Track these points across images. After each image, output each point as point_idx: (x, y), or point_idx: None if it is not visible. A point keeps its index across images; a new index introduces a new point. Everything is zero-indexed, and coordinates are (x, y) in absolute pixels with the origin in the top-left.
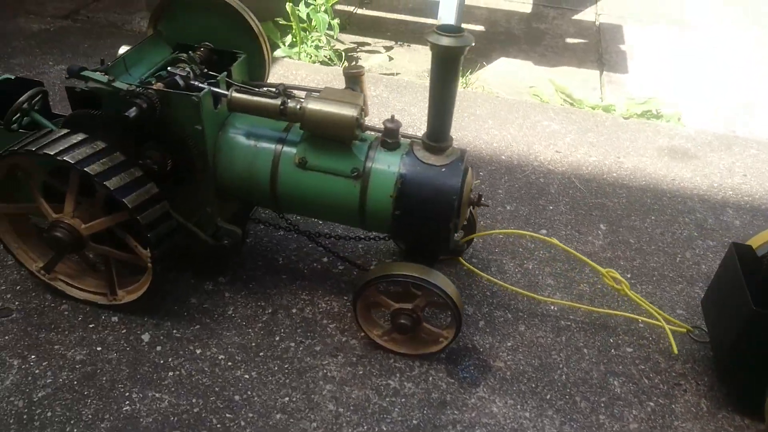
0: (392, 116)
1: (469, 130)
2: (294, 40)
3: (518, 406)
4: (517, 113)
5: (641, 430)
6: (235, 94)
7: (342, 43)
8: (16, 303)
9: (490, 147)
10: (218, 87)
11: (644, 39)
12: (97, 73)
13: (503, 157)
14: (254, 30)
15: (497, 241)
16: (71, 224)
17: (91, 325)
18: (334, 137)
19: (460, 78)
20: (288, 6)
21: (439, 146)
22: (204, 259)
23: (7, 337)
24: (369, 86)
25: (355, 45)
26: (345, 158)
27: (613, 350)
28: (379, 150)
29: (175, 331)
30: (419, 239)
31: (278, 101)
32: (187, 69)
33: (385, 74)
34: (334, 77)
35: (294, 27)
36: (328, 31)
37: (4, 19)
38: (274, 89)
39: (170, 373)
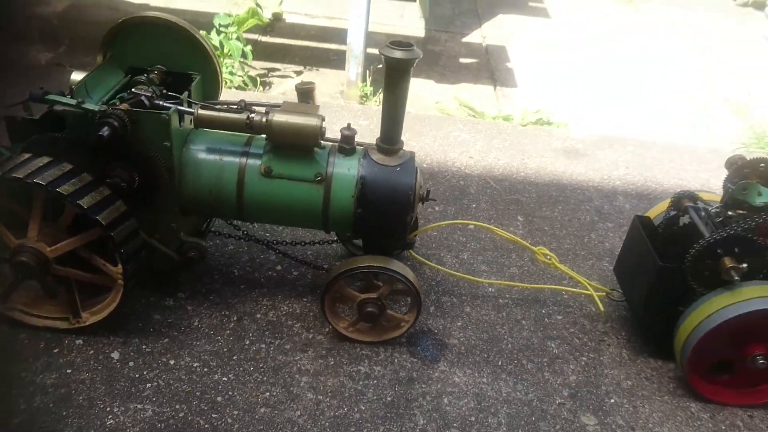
0: (348, 124)
1: None
2: None
3: (476, 374)
4: (429, 126)
5: (579, 380)
6: (202, 111)
7: (254, 68)
8: None
9: None
10: (181, 106)
11: (525, 58)
12: (65, 96)
13: (425, 165)
14: (207, 51)
15: (433, 238)
16: (36, 248)
17: (55, 350)
18: (299, 146)
19: (373, 97)
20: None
21: (393, 149)
22: (160, 275)
23: None
24: None
25: (266, 71)
26: (308, 165)
27: (546, 319)
28: (338, 156)
29: (144, 347)
30: (379, 234)
31: (244, 116)
32: (150, 90)
33: None
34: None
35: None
36: (241, 58)
37: None
38: (235, 106)
39: (148, 385)
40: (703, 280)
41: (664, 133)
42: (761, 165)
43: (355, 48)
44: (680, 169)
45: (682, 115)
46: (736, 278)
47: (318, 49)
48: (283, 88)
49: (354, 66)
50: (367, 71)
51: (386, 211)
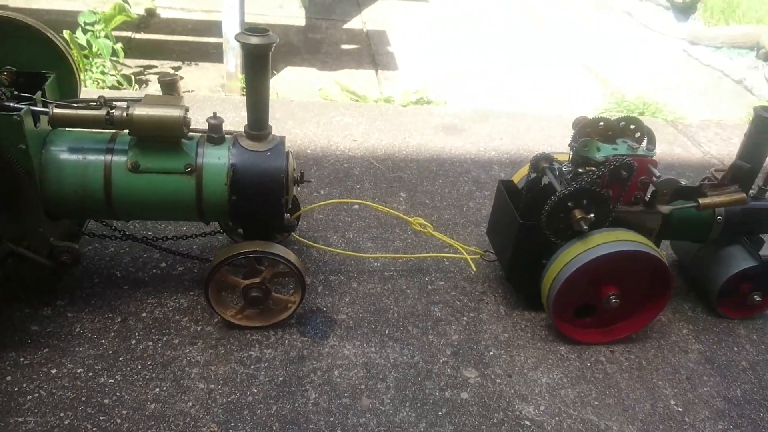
0: (214, 113)
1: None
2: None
3: (364, 345)
4: (312, 113)
5: (461, 339)
6: (57, 110)
7: (128, 67)
8: None
9: (295, 144)
10: (35, 106)
11: (405, 41)
12: None
13: (309, 151)
14: (61, 49)
15: (319, 220)
16: None
17: None
18: (164, 138)
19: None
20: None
21: (261, 134)
22: (34, 284)
23: None
24: None
25: (142, 68)
26: (176, 157)
27: (429, 286)
28: (207, 145)
29: (22, 359)
30: (256, 219)
31: (103, 111)
32: None
33: None
34: None
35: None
36: (112, 57)
37: None
38: (94, 102)
39: (28, 397)
40: (559, 232)
41: (535, 104)
42: (600, 123)
43: (231, 40)
44: (548, 136)
45: (550, 86)
46: (585, 228)
47: (196, 43)
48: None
49: (232, 58)
50: None
51: (260, 195)
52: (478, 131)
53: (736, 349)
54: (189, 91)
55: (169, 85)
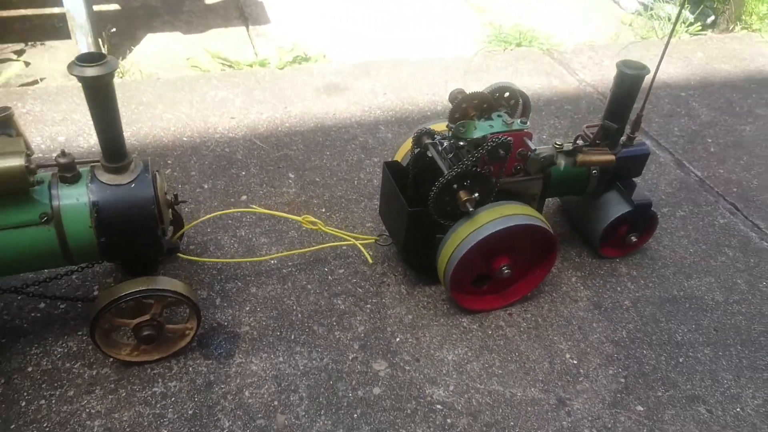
0: (62, 151)
1: (143, 121)
2: None
3: (272, 356)
4: (183, 91)
5: (367, 329)
6: None
7: None
8: None
9: (169, 132)
10: None
11: None
12: None
13: (185, 138)
14: None
15: (207, 223)
16: None
17: None
18: (7, 192)
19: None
20: None
21: (120, 166)
22: None
23: None
24: (16, 103)
25: None
26: (27, 208)
27: (330, 276)
28: (61, 186)
29: None
30: (132, 255)
31: None
32: None
33: (27, 85)
34: None
35: None
36: None
37: None
38: None
39: None
40: (447, 214)
41: (416, 48)
42: (475, 100)
43: (76, 15)
44: (432, 84)
45: (431, 25)
46: (471, 209)
47: (38, 17)
48: (4, 77)
49: (82, 37)
50: (101, 39)
51: (132, 232)
52: (361, 87)
53: (619, 289)
54: (39, 81)
55: (2, 123)
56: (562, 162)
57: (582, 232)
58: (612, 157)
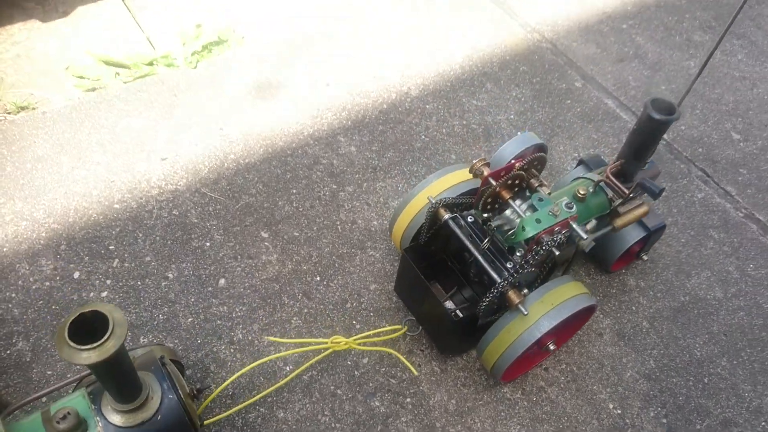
0: (64, 414)
1: (50, 189)
2: None
3: None
4: (84, 127)
5: (414, 426)
6: None
7: None
8: None
9: (92, 199)
10: None
11: None
12: None
13: (116, 205)
14: None
15: (196, 331)
16: None
17: None
18: None
19: None
20: None
21: (136, 405)
22: None
23: None
24: None
25: None
26: None
27: (356, 371)
28: None
29: None
30: None
31: None
32: None
33: None
34: None
35: None
36: None
37: None
38: None
39: None
40: (495, 311)
41: (338, 12)
42: (509, 181)
43: None
44: (381, 65)
45: None
46: (525, 312)
47: None
48: None
49: None
50: None
51: None
52: (299, 81)
53: (634, 308)
54: None
55: None
56: (599, 232)
57: (593, 256)
58: (646, 208)
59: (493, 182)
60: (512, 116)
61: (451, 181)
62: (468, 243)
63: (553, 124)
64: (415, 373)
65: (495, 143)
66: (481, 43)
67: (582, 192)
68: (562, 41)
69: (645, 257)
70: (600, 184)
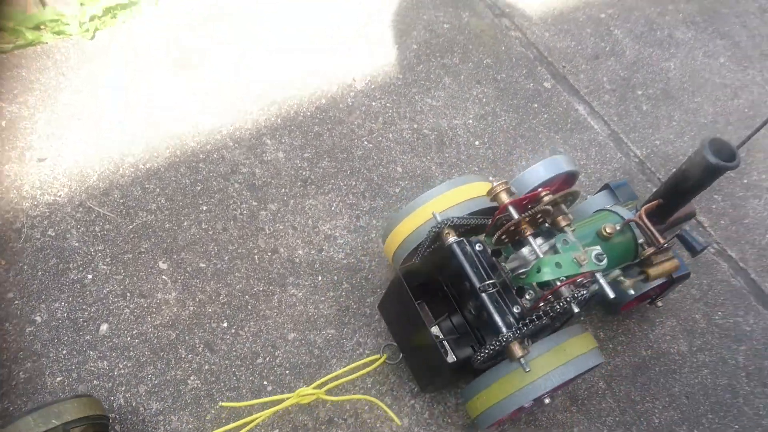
0: None
1: None
2: None
3: None
4: None
5: None
6: None
7: None
8: None
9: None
10: None
11: None
12: None
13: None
14: None
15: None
16: None
17: None
18: None
19: None
20: None
21: None
22: None
23: None
24: None
25: None
26: None
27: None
28: None
29: None
30: None
31: None
32: None
33: None
34: None
35: None
36: None
37: None
38: None
39: None
40: (491, 357)
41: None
42: (531, 212)
43: None
44: (317, 50)
45: None
46: (528, 369)
47: None
48: None
49: None
50: None
51: None
52: (220, 64)
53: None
54: None
55: None
56: (627, 282)
57: (606, 303)
58: (678, 262)
59: (515, 213)
60: (471, 121)
61: (461, 196)
62: (473, 276)
63: (516, 134)
64: (398, 423)
65: (449, 153)
66: (441, 26)
67: (608, 231)
68: (534, 30)
69: (660, 304)
70: (630, 223)
